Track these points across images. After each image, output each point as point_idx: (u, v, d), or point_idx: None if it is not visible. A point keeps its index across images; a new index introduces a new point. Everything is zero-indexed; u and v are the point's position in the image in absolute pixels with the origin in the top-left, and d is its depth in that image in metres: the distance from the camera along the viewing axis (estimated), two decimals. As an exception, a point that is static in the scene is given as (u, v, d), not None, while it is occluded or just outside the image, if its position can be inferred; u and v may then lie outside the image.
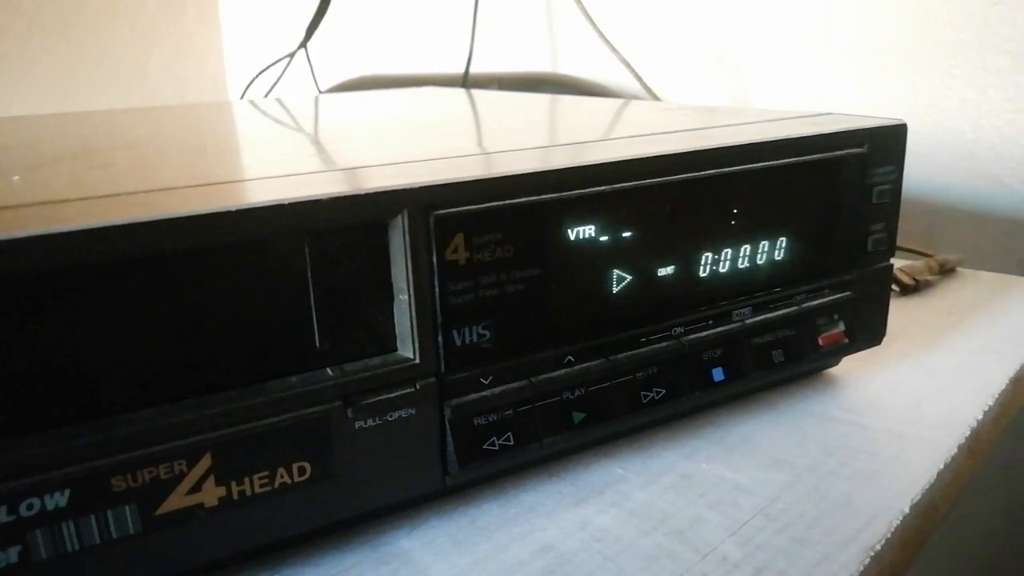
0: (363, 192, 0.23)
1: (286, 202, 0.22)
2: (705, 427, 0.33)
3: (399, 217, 0.23)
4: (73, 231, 0.20)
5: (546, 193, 0.26)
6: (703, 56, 0.74)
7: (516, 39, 0.91)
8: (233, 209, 0.21)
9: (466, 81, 0.84)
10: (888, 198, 0.34)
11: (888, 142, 0.33)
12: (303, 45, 0.76)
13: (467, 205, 0.24)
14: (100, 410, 0.21)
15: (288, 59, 0.77)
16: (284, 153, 0.32)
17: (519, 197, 0.25)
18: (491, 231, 0.25)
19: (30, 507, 0.20)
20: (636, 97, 0.76)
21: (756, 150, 0.30)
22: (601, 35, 0.68)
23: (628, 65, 0.66)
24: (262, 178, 0.26)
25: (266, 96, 0.83)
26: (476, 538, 0.27)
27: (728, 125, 0.34)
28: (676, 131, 0.34)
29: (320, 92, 0.89)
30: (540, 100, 0.53)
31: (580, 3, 0.72)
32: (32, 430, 0.20)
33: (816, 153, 0.31)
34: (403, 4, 1.00)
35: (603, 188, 0.27)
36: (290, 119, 0.47)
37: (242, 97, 0.86)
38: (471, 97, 0.61)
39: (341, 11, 0.91)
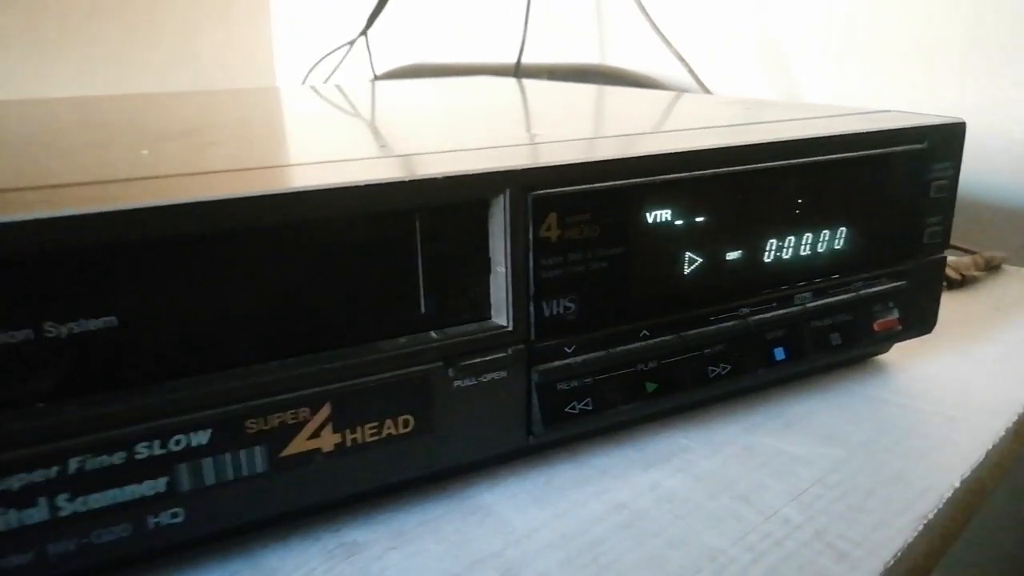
0: (472, 172, 0.25)
1: (407, 179, 0.24)
2: (764, 405, 0.35)
3: (501, 196, 0.26)
4: (224, 199, 0.22)
5: (631, 178, 0.28)
6: (750, 50, 0.75)
7: (565, 30, 0.93)
8: (361, 184, 0.23)
9: (518, 71, 0.86)
10: (945, 192, 0.35)
11: (947, 139, 0.35)
12: (364, 33, 0.79)
13: (561, 187, 0.26)
14: (238, 361, 0.24)
15: (348, 47, 0.80)
16: (387, 134, 0.35)
17: (606, 181, 0.27)
18: (581, 211, 0.27)
19: (177, 443, 0.23)
20: (685, 89, 0.77)
21: (824, 144, 0.32)
22: (655, 28, 0.69)
23: (681, 58, 0.67)
24: (370, 158, 0.28)
25: (326, 82, 0.85)
26: (553, 496, 0.29)
27: (795, 119, 0.36)
28: (746, 124, 0.36)
29: (376, 78, 0.92)
30: (603, 92, 0.55)
31: (634, -3, 0.74)
32: (182, 376, 0.23)
33: (879, 148, 0.33)
34: (455, -6, 1.02)
35: (681, 175, 0.29)
36: (370, 105, 0.49)
37: (303, 83, 0.88)
38: (532, 88, 0.63)
39: None
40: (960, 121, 0.35)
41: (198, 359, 0.23)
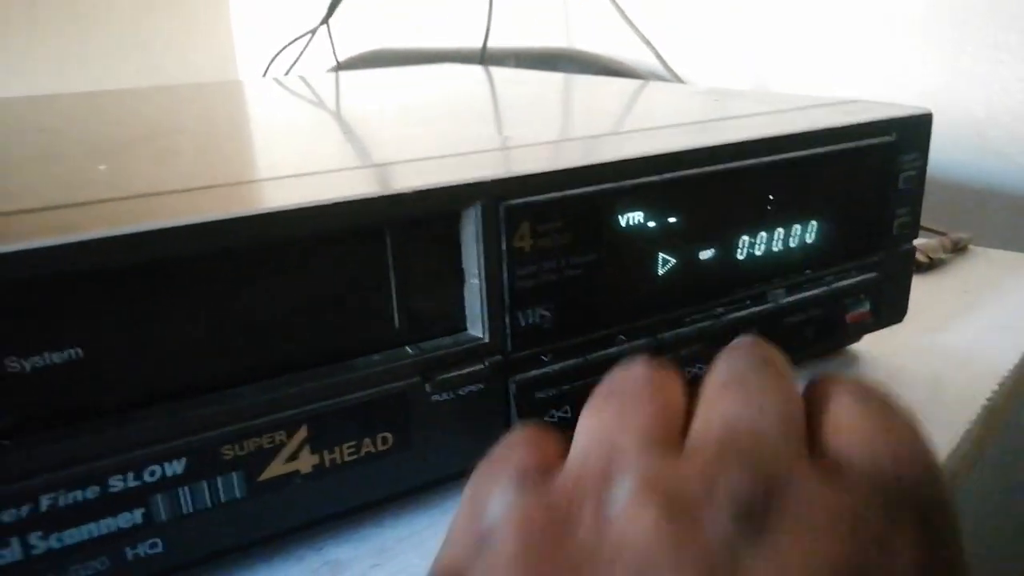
0: (443, 185, 0.25)
1: (377, 195, 0.23)
2: (739, 399, 0.35)
3: (473, 208, 0.25)
4: (190, 225, 0.21)
5: (602, 183, 0.28)
6: (715, 31, 0.75)
7: (530, 12, 0.92)
8: (331, 202, 0.23)
9: (483, 57, 0.85)
10: (913, 183, 0.36)
11: (915, 130, 0.35)
12: (325, 21, 0.77)
13: (533, 196, 0.26)
14: (211, 387, 0.23)
15: (310, 35, 0.78)
16: (355, 139, 0.34)
17: (578, 187, 0.27)
18: (554, 219, 0.27)
19: (152, 474, 0.22)
20: (653, 74, 0.77)
21: (793, 140, 0.32)
22: (621, 12, 0.69)
23: (649, 43, 0.67)
24: (340, 170, 0.28)
25: (287, 73, 0.84)
26: (535, 502, 0.29)
27: (764, 113, 0.36)
28: (716, 119, 0.35)
29: (337, 66, 0.90)
30: (570, 83, 0.54)
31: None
32: (153, 405, 0.22)
33: (848, 142, 0.33)
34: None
35: (653, 178, 0.29)
36: (335, 102, 0.49)
37: (264, 75, 0.87)
38: (499, 78, 0.62)
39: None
40: (927, 112, 0.35)
41: (169, 387, 0.23)
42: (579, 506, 0.18)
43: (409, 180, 0.25)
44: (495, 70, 0.72)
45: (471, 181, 0.25)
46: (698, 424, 0.20)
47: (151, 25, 1.23)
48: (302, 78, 0.65)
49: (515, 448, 0.22)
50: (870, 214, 0.35)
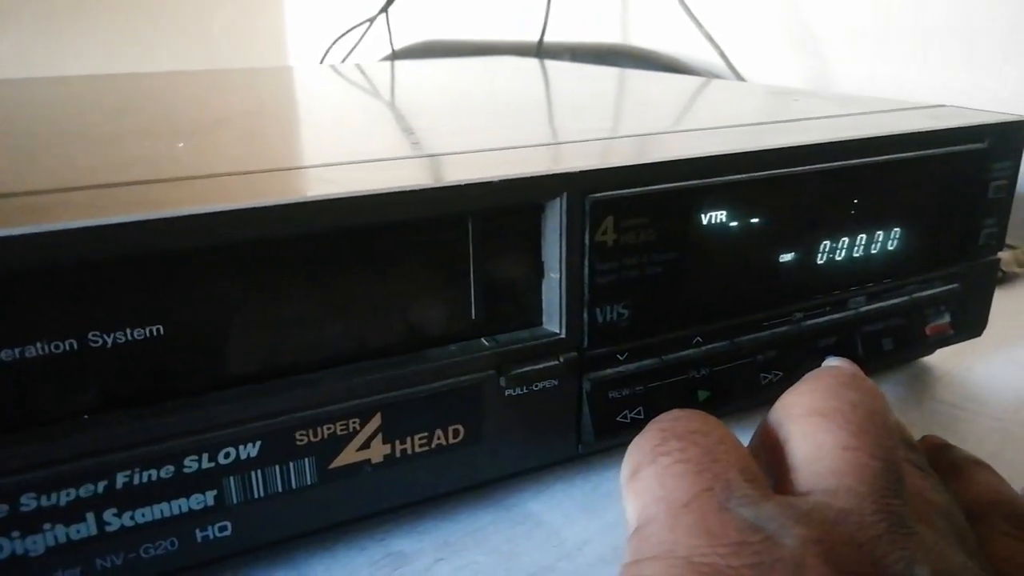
0: (530, 175, 0.24)
1: (463, 183, 0.23)
2: (810, 409, 0.34)
3: (557, 200, 0.25)
4: (273, 205, 0.21)
5: (690, 180, 0.27)
6: (778, 31, 0.73)
7: (585, 7, 0.90)
8: (417, 188, 0.22)
9: (540, 51, 0.84)
10: (1003, 193, 0.34)
11: (1007, 137, 0.34)
12: (384, 10, 0.77)
13: (619, 189, 0.25)
14: (288, 371, 0.23)
15: (368, 24, 0.78)
16: (427, 127, 0.34)
17: (665, 183, 0.26)
18: (638, 215, 0.26)
19: (227, 456, 0.22)
20: (711, 73, 0.76)
21: (882, 143, 0.31)
22: (688, 10, 0.67)
23: (714, 42, 0.65)
24: (420, 156, 0.27)
25: (343, 61, 0.84)
26: (602, 504, 0.28)
27: (848, 115, 0.35)
28: (800, 119, 0.34)
29: (392, 56, 0.90)
30: (640, 79, 0.53)
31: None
32: (230, 387, 0.22)
33: (937, 147, 0.32)
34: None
35: (739, 176, 0.28)
36: (404, 90, 0.48)
37: (321, 62, 0.87)
38: (561, 72, 0.61)
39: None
40: (1022, 119, 0.34)
41: (247, 369, 0.22)
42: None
43: (494, 169, 0.24)
44: (555, 64, 0.71)
45: (558, 172, 0.24)
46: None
47: (211, 14, 1.24)
48: (359, 66, 0.65)
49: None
50: (956, 223, 0.34)
